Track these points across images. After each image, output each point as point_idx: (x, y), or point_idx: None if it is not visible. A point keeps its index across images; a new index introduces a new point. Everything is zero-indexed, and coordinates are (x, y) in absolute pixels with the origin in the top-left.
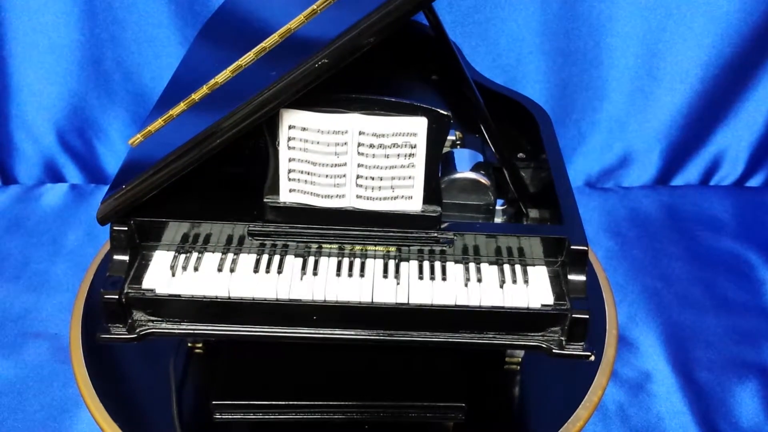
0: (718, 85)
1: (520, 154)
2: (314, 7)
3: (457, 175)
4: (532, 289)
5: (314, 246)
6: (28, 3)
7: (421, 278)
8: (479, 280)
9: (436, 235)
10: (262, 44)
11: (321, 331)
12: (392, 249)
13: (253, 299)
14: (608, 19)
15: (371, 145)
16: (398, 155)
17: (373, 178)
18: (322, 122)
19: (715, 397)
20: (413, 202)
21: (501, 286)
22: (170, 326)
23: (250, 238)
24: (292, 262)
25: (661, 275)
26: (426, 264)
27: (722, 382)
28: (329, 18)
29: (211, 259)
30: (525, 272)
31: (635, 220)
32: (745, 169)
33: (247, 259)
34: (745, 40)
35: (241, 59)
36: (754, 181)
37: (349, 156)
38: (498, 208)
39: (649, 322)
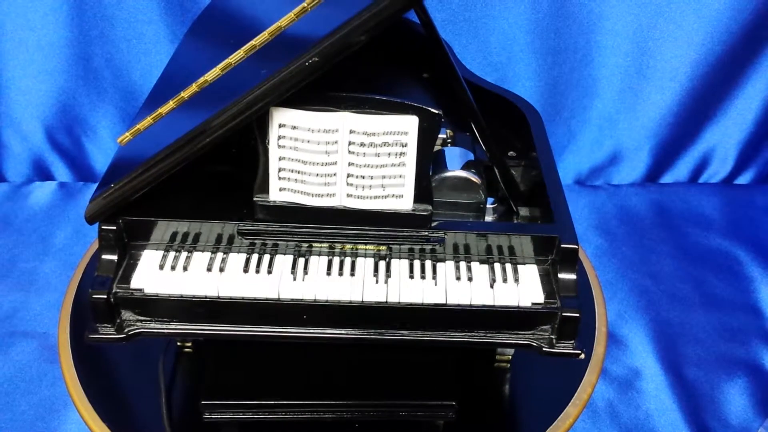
0: (707, 83)
1: (511, 153)
2: (304, 5)
3: (448, 174)
4: (523, 287)
5: (304, 245)
6: (16, 0)
7: (411, 277)
8: (470, 279)
9: (426, 233)
10: (252, 42)
11: (311, 331)
12: (383, 248)
13: (243, 299)
14: (598, 17)
15: (362, 144)
16: (389, 154)
17: (363, 177)
18: (313, 121)
19: (704, 394)
20: (404, 201)
21: (491, 285)
22: (159, 326)
23: (239, 238)
24: (282, 262)
25: (650, 273)
26: (417, 263)
27: (711, 379)
28: (320, 16)
29: (200, 258)
30: (515, 271)
31: (625, 218)
32: (734, 166)
33: (236, 259)
34: (734, 38)
35: (231, 57)
36: (743, 179)
37: (339, 155)
38: (488, 206)
39: (639, 319)
